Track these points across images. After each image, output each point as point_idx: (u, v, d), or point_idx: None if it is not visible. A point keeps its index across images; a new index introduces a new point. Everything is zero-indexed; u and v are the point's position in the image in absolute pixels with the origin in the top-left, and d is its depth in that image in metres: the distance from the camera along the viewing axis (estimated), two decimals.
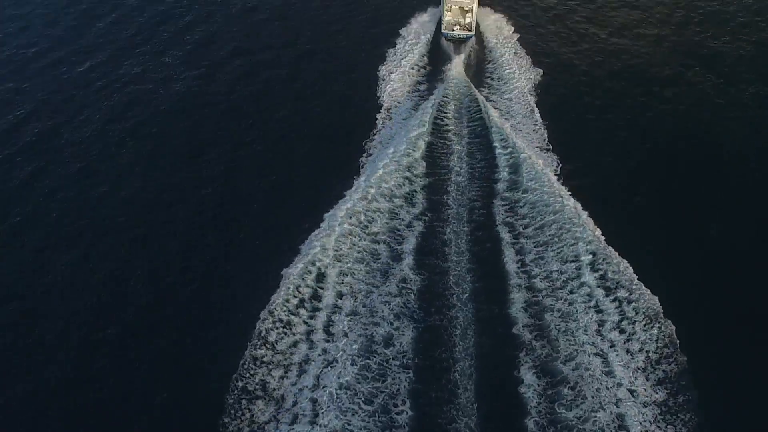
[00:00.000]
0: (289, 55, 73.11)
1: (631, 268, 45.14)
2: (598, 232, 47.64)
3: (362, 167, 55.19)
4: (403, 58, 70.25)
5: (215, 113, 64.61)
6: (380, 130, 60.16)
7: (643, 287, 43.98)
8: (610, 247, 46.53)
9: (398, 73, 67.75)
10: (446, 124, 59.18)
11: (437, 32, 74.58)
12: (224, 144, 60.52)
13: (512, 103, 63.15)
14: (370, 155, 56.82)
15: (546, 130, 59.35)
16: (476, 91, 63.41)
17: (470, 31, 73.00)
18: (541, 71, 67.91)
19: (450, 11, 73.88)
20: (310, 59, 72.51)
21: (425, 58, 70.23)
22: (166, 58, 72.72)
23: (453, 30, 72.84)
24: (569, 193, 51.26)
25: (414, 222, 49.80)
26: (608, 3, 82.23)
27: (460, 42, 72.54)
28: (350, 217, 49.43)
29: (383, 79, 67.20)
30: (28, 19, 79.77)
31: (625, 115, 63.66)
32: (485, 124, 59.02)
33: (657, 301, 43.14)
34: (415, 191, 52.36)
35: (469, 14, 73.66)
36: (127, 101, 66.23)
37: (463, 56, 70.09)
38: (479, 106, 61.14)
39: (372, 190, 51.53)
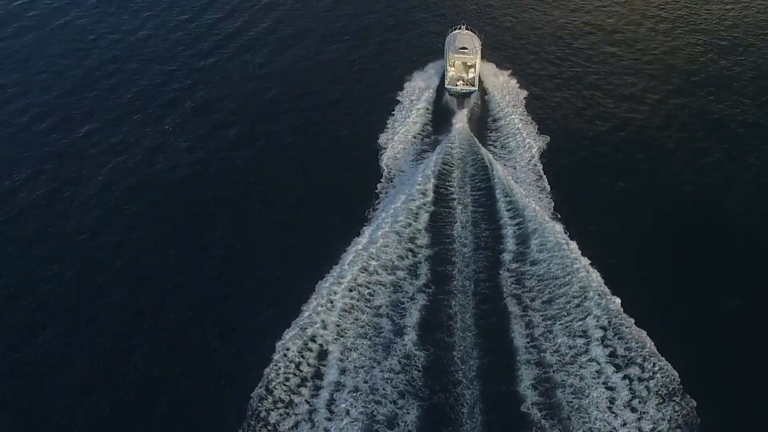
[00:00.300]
0: (290, 123, 72.27)
1: (649, 339, 43.78)
2: (612, 304, 46.18)
3: (363, 236, 53.49)
4: (402, 124, 69.11)
5: (213, 181, 63.65)
6: (382, 198, 59.00)
7: (663, 360, 42.61)
8: (626, 317, 45.20)
9: (399, 140, 66.64)
10: (450, 192, 57.99)
11: (437, 96, 74.15)
12: (223, 213, 59.57)
13: (517, 171, 62.03)
14: (371, 224, 55.16)
15: (552, 200, 58.30)
16: (482, 153, 62.40)
17: (473, 86, 73.38)
18: (548, 138, 67.02)
19: (453, 67, 74.73)
20: (310, 126, 71.81)
21: (427, 125, 69.42)
22: (167, 125, 72.03)
23: (456, 85, 73.20)
24: (588, 262, 49.88)
25: (417, 295, 48.42)
26: (614, 71, 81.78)
27: (463, 97, 72.56)
28: (350, 290, 48.14)
29: (384, 146, 66.04)
30: (26, 84, 79.27)
31: (632, 182, 62.75)
32: (491, 190, 57.92)
33: (677, 375, 41.79)
34: (419, 263, 50.95)
35: (472, 70, 74.43)
36: (125, 167, 65.30)
37: (466, 112, 69.46)
38: (485, 173, 59.96)
39: (373, 262, 50.29)
